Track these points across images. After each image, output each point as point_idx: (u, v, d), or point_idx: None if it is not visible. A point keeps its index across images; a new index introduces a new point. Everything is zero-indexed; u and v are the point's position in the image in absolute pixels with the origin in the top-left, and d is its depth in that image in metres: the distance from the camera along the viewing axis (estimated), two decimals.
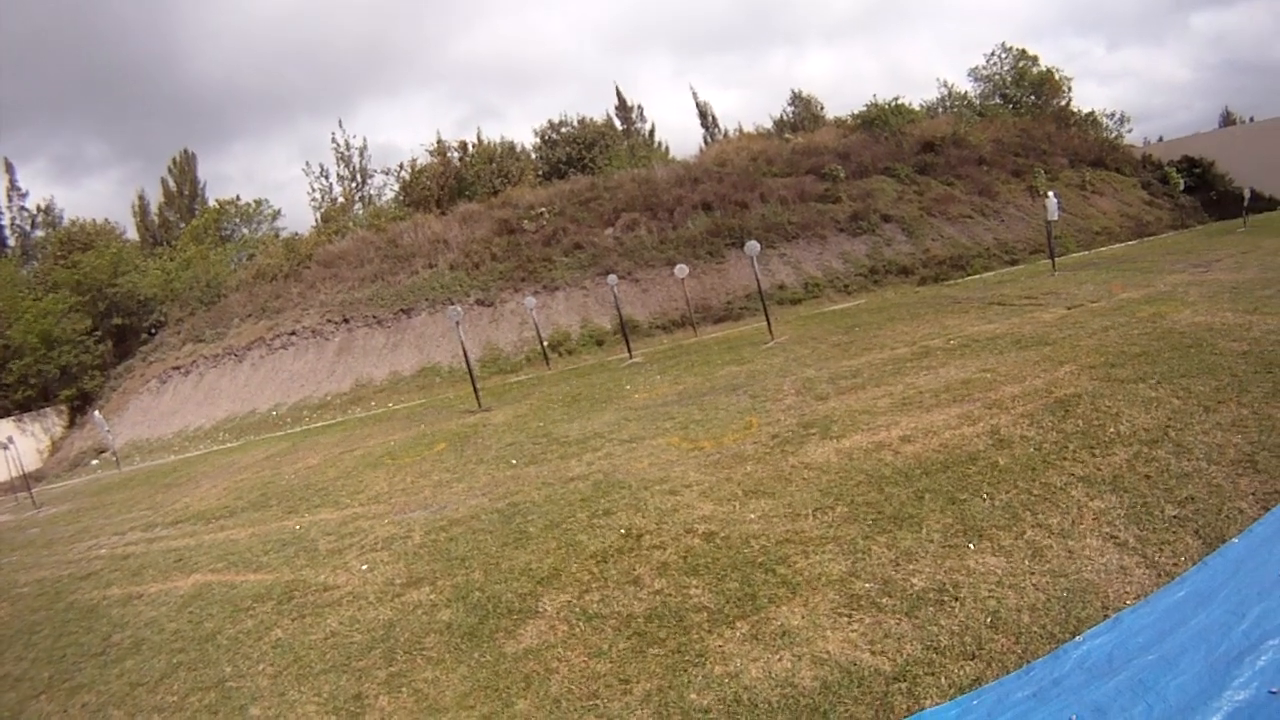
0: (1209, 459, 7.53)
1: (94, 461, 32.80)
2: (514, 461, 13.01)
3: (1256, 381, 9.25)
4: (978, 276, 27.92)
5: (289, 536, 11.60)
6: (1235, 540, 6.03)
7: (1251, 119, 56.64)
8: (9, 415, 38.79)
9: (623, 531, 8.68)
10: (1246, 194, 32.63)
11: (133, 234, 59.10)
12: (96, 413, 32.25)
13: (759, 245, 20.83)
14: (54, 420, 39.66)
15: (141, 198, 63.34)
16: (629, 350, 24.60)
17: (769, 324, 21.21)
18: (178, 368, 36.90)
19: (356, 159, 54.23)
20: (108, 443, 31.04)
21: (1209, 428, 8.23)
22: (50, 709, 7.74)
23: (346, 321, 34.18)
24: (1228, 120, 66.07)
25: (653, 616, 6.71)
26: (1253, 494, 6.73)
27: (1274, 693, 4.41)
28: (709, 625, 6.35)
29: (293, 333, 34.89)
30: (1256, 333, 11.34)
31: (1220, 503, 6.68)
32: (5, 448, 26.07)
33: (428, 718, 6.00)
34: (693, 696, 5.50)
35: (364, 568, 9.47)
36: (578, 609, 7.16)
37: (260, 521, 12.96)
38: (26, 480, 27.72)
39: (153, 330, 41.54)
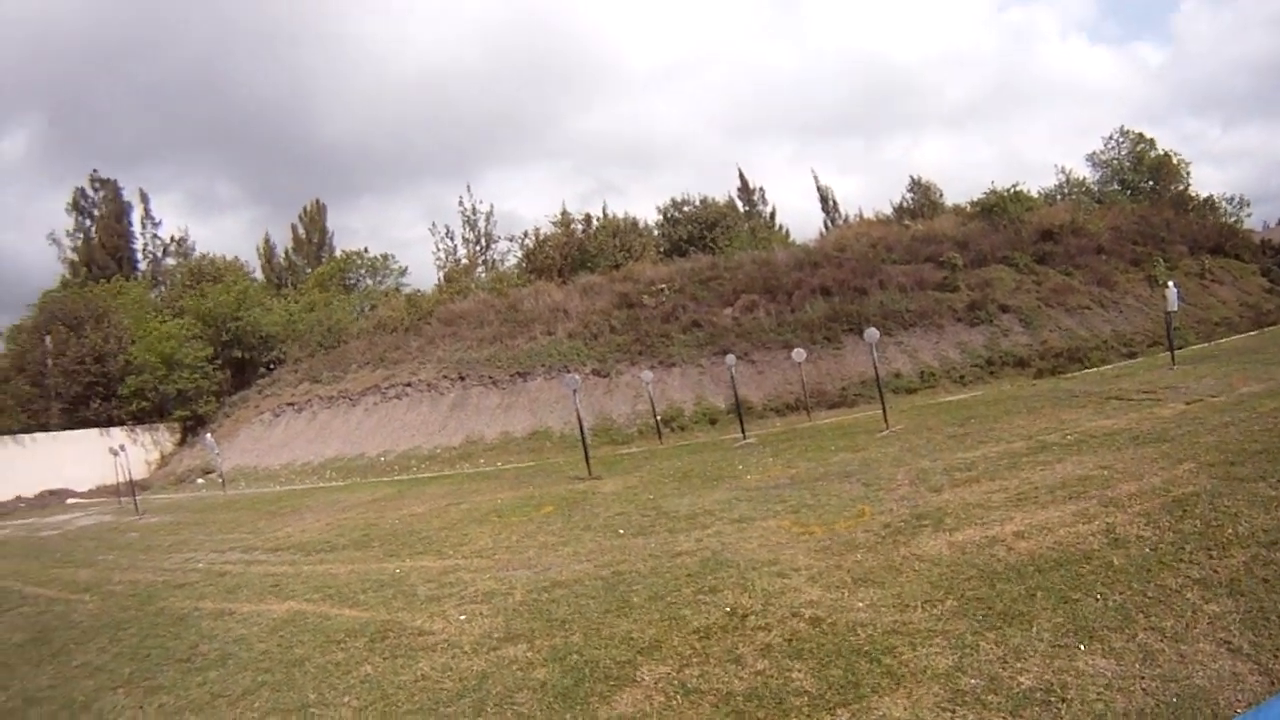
0: None
1: (199, 480, 34.15)
2: (621, 531, 13.12)
3: None
4: (1095, 370, 27.43)
5: (388, 578, 11.85)
6: None
7: None
8: (122, 424, 40.58)
9: (727, 610, 8.70)
10: None
11: (259, 274, 61.54)
12: (208, 435, 33.61)
13: (878, 333, 20.92)
14: (165, 435, 41.80)
15: (268, 240, 66.71)
16: (743, 430, 24.54)
17: (884, 412, 21.06)
18: (292, 404, 38.41)
19: (482, 223, 56.05)
20: (216, 464, 32.35)
21: None
22: (126, 703, 8.07)
23: (462, 379, 35.08)
24: None
25: (752, 696, 6.71)
26: None
27: None
28: (809, 710, 6.35)
29: (408, 384, 35.97)
30: None
31: None
32: (116, 454, 27.39)
33: None
34: None
35: (462, 618, 9.60)
36: (676, 682, 7.17)
37: (361, 560, 13.28)
38: (133, 487, 28.91)
39: (271, 366, 43.50)
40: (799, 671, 7.07)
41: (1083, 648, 6.66)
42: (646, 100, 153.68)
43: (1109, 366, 27.87)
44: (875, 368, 22.02)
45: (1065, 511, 10.22)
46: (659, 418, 28.35)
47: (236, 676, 8.52)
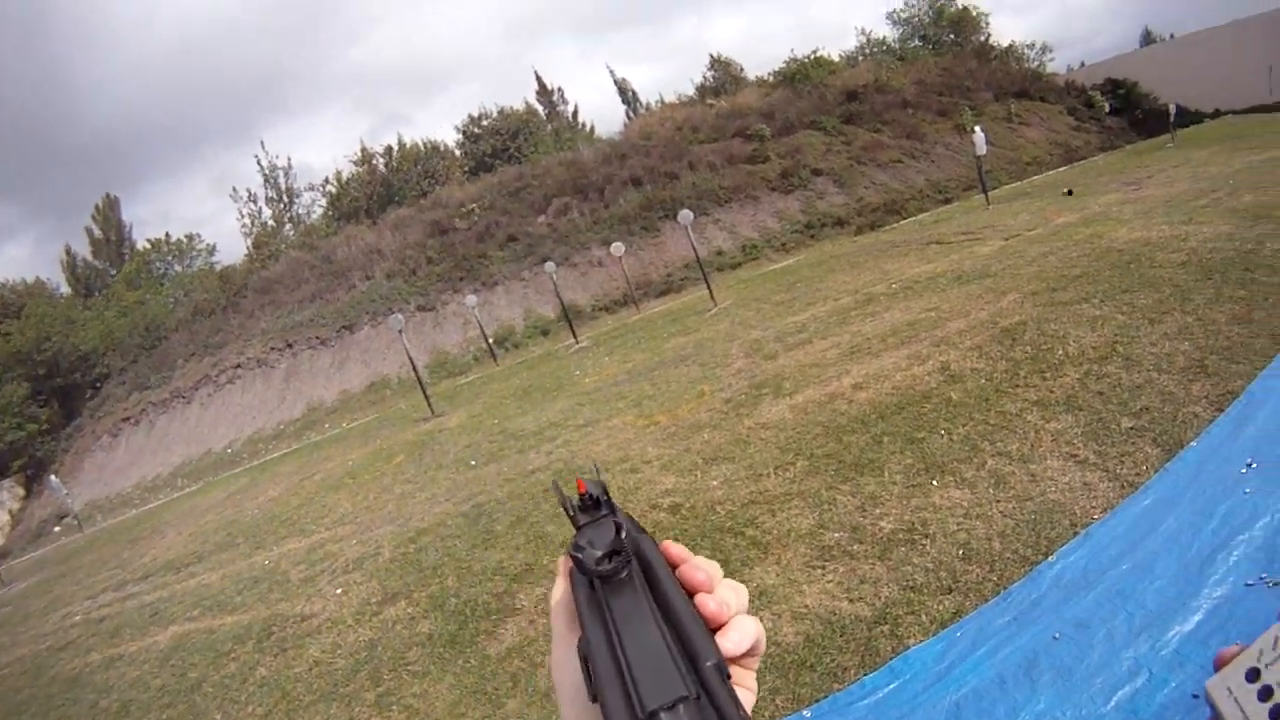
0: (1159, 369, 7.56)
1: (56, 529, 32.34)
2: (473, 462, 12.94)
3: (1198, 289, 9.31)
4: (914, 219, 28.05)
5: (260, 572, 11.49)
6: (1194, 444, 6.06)
7: (1171, 36, 57.37)
8: None
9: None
10: (1172, 110, 32.89)
11: (66, 289, 57.85)
12: (52, 477, 31.58)
13: (692, 214, 20.74)
14: (8, 495, 38.80)
15: (69, 251, 61.68)
16: (574, 336, 24.46)
17: (710, 291, 21.14)
18: (127, 419, 36.42)
19: (282, 179, 53.48)
20: (67, 506, 30.51)
21: (1155, 339, 8.27)
22: None
23: (290, 346, 33.91)
24: (1148, 40, 66.62)
25: None
26: (1205, 397, 6.76)
27: (1250, 585, 4.45)
28: None
29: (237, 365, 34.57)
30: (1193, 243, 11.41)
31: (1175, 410, 6.70)
32: None
33: None
34: None
35: (338, 591, 9.37)
36: None
37: (229, 562, 12.82)
38: None
39: (97, 384, 40.82)
40: None
41: (935, 483, 6.70)
42: (417, 18, 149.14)
43: (926, 214, 28.51)
44: (694, 248, 21.90)
45: (899, 357, 10.32)
46: (491, 340, 28.02)
47: None
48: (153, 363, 38.28)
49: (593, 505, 0.89)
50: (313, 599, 9.46)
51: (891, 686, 4.65)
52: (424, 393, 20.75)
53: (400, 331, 20.16)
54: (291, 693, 7.31)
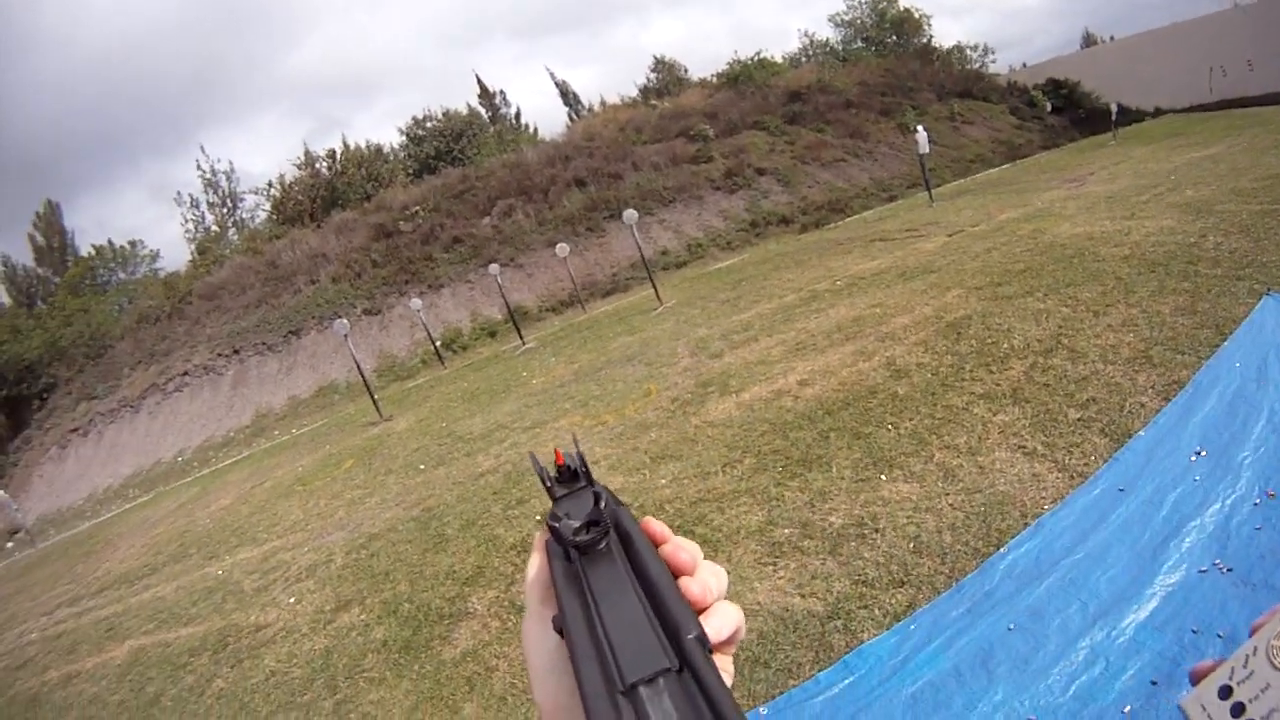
0: (1105, 360, 7.60)
1: (9, 544, 31.55)
2: (422, 466, 12.80)
3: (1141, 282, 9.38)
4: (858, 216, 28.13)
5: (214, 583, 11.30)
6: (1142, 433, 6.09)
7: (1111, 37, 58.17)
8: None
9: (538, 518, 8.55)
10: (1114, 108, 33.22)
11: (7, 299, 56.60)
12: (1, 493, 31.02)
13: (636, 213, 20.66)
14: None
15: (8, 261, 60.40)
16: (520, 337, 24.31)
17: (656, 290, 21.05)
18: (75, 429, 35.51)
19: (224, 183, 52.68)
20: (19, 522, 29.78)
21: (1100, 330, 8.32)
22: None
23: (237, 353, 33.24)
24: (1089, 41, 67.48)
25: None
26: (1152, 387, 6.80)
27: (1204, 571, 4.48)
28: None
29: (185, 373, 33.81)
30: (1136, 237, 11.51)
31: (1121, 400, 6.74)
32: None
33: None
34: None
35: (291, 600, 9.26)
36: (506, 603, 7.10)
37: (183, 573, 12.59)
38: None
39: (44, 395, 40.01)
40: None
41: (884, 477, 6.69)
42: (355, 22, 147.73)
43: (870, 212, 28.60)
44: (639, 248, 21.74)
45: (845, 353, 10.32)
46: (438, 343, 27.63)
47: None
48: (99, 372, 37.45)
49: (570, 477, 0.91)
50: (267, 608, 9.33)
51: (847, 681, 4.62)
52: (372, 397, 20.52)
53: (345, 336, 19.84)
54: (250, 704, 7.22)
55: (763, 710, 4.65)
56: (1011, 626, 4.57)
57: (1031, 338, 8.69)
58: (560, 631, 0.71)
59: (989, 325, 9.47)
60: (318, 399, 29.00)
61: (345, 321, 20.59)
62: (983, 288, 11.16)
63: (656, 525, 0.79)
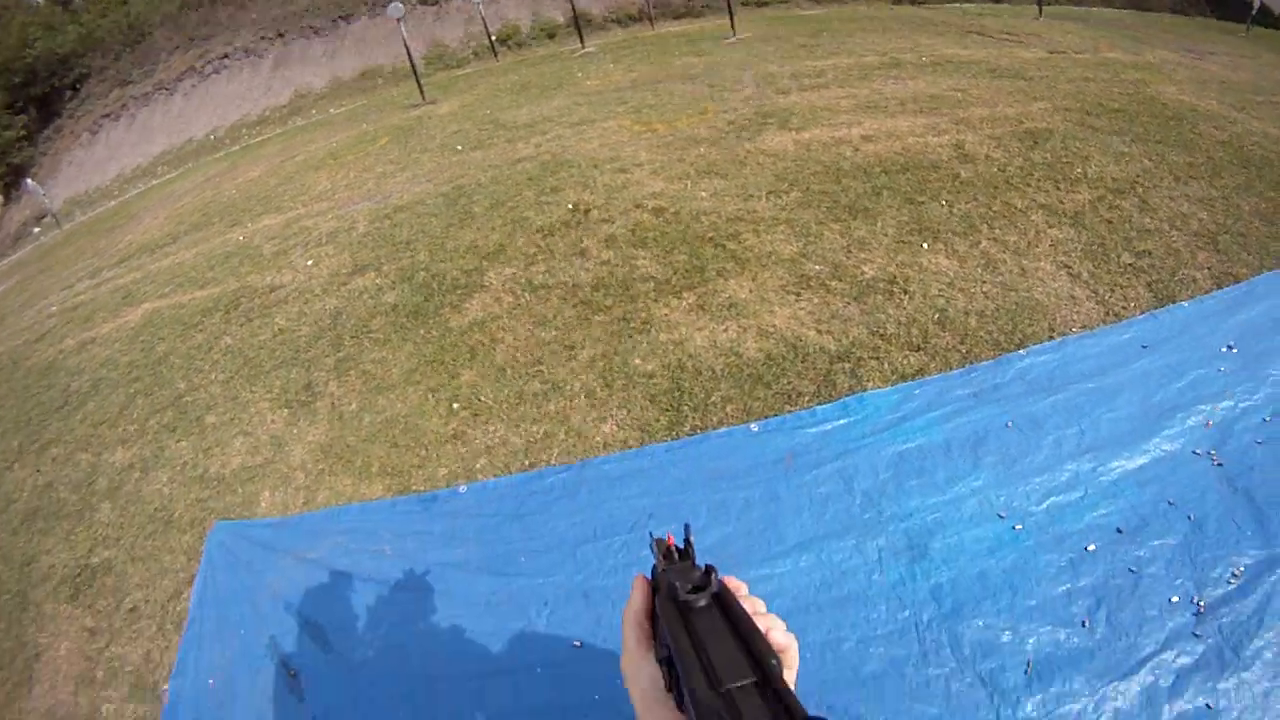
0: (1172, 224, 7.41)
1: (35, 229, 31.05)
2: (459, 148, 12.62)
3: (1230, 171, 9.01)
4: (958, 4, 27.01)
5: (233, 248, 11.31)
6: (1185, 304, 5.98)
7: None
8: None
9: (570, 207, 8.56)
10: (1257, 2, 31.55)
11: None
12: (28, 180, 30.10)
13: None
14: None
15: None
16: (581, 40, 23.45)
17: (731, 18, 20.11)
18: (107, 115, 34.29)
19: None
20: (46, 207, 29.27)
21: (1177, 196, 8.06)
22: (24, 475, 7.59)
23: (281, 36, 31.97)
24: None
25: (599, 286, 6.70)
26: (1209, 269, 6.65)
27: (1197, 454, 4.50)
28: (655, 295, 6.35)
29: (224, 56, 32.56)
30: (1240, 129, 10.99)
31: (1176, 266, 6.60)
32: None
33: (376, 396, 6.13)
34: (637, 361, 5.59)
35: (309, 263, 9.33)
36: (523, 280, 7.16)
37: (204, 240, 12.60)
38: None
39: (77, 86, 38.33)
40: (644, 259, 7.01)
41: (926, 246, 6.61)
42: None
43: (972, 4, 27.40)
44: None
45: (915, 123, 10.03)
46: (494, 37, 26.70)
47: (110, 398, 8.11)
48: (135, 59, 35.74)
49: (679, 555, 1.21)
50: (283, 270, 9.42)
51: (841, 422, 4.67)
52: (416, 78, 20.01)
53: (400, 21, 19.20)
54: (254, 359, 7.42)
55: (754, 427, 4.72)
56: (1010, 424, 4.60)
57: (1108, 173, 8.42)
58: (663, 661, 1.00)
59: (1068, 145, 9.15)
60: (360, 82, 28.45)
61: (399, 5, 19.74)
62: (1071, 110, 10.71)
63: (733, 582, 1.07)
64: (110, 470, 6.73)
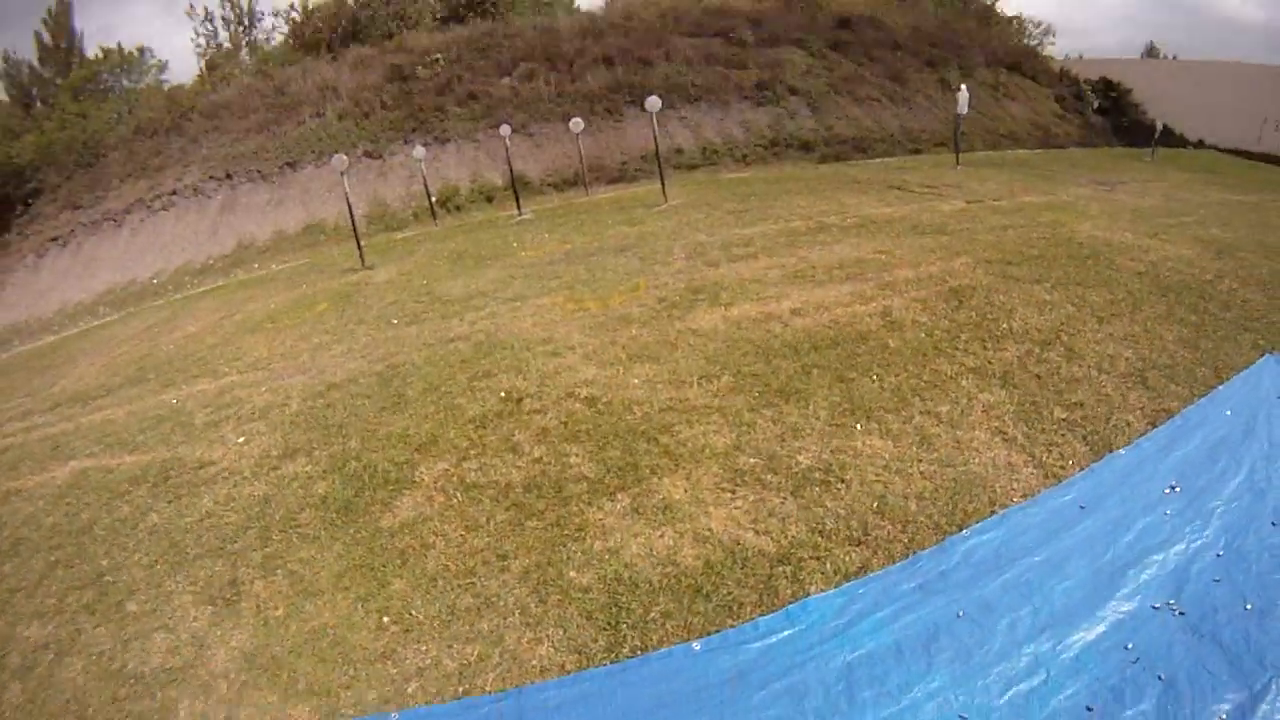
0: (1100, 368, 7.51)
1: None
2: (394, 321, 12.61)
3: (1151, 302, 9.21)
4: (880, 161, 27.75)
5: (166, 412, 11.11)
6: (1122, 451, 6.03)
7: (1174, 57, 57.24)
8: None
9: (503, 394, 8.47)
10: (1159, 126, 32.76)
11: (4, 96, 54.40)
12: None
13: (659, 101, 20.12)
14: None
15: (7, 56, 57.83)
16: (518, 206, 23.91)
17: (663, 186, 20.65)
18: (55, 239, 34.57)
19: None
20: None
21: (1101, 337, 8.20)
22: None
23: (230, 177, 32.40)
24: (1151, 52, 66.42)
25: (531, 486, 6.57)
26: (1141, 409, 6.72)
27: (1156, 608, 4.44)
28: (589, 497, 6.23)
29: (174, 192, 32.85)
30: (1154, 256, 11.27)
31: (1109, 412, 6.67)
32: None
33: (303, 602, 5.87)
34: (572, 574, 5.43)
35: (240, 440, 9.12)
36: (455, 478, 7.01)
37: (138, 397, 12.39)
38: None
39: (29, 200, 38.97)
40: (577, 456, 6.90)
41: (859, 427, 6.59)
42: None
43: (893, 159, 28.20)
44: (655, 139, 21.14)
45: (842, 291, 10.15)
46: (434, 198, 27.11)
47: (30, 563, 7.82)
48: (87, 181, 36.21)
49: None
50: (214, 445, 9.19)
51: (786, 633, 4.56)
52: (357, 242, 20.09)
53: (343, 173, 19.42)
54: (180, 543, 7.15)
55: (696, 646, 4.58)
56: (960, 614, 4.52)
57: (1032, 325, 8.55)
58: None
59: (992, 301, 9.31)
60: (304, 236, 28.57)
61: (343, 157, 20.04)
62: (993, 262, 10.94)
63: None
64: (24, 646, 6.39)
